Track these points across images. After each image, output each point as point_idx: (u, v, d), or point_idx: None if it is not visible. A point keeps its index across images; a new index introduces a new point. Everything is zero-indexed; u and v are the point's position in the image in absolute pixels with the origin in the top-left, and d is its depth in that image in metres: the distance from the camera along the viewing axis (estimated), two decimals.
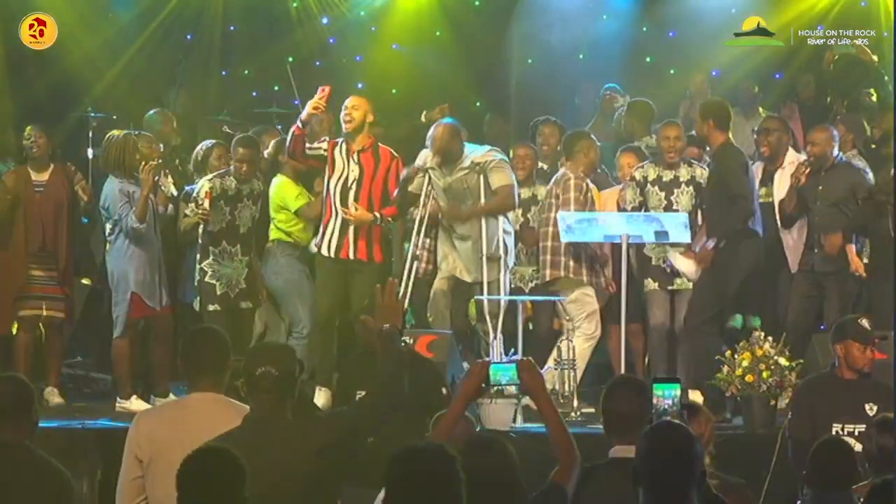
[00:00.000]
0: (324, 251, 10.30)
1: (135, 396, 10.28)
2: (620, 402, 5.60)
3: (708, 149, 10.70)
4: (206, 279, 10.42)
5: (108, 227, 10.28)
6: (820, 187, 10.53)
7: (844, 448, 6.76)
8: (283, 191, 10.84)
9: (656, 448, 4.61)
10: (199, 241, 10.50)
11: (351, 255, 10.25)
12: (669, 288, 10.54)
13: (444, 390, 8.14)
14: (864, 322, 8.49)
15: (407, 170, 10.40)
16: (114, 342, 10.32)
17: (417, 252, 10.51)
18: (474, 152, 10.44)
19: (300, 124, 10.20)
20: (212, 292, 10.41)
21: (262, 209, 10.76)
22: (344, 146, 10.29)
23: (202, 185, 10.46)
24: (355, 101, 10.40)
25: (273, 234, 10.95)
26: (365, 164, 10.27)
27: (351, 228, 10.24)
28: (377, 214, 10.25)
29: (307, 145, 10.27)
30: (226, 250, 10.44)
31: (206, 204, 10.31)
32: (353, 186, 10.26)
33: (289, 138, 10.28)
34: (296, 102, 12.74)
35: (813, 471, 6.56)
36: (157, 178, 10.23)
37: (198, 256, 10.49)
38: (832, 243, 10.39)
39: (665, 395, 5.08)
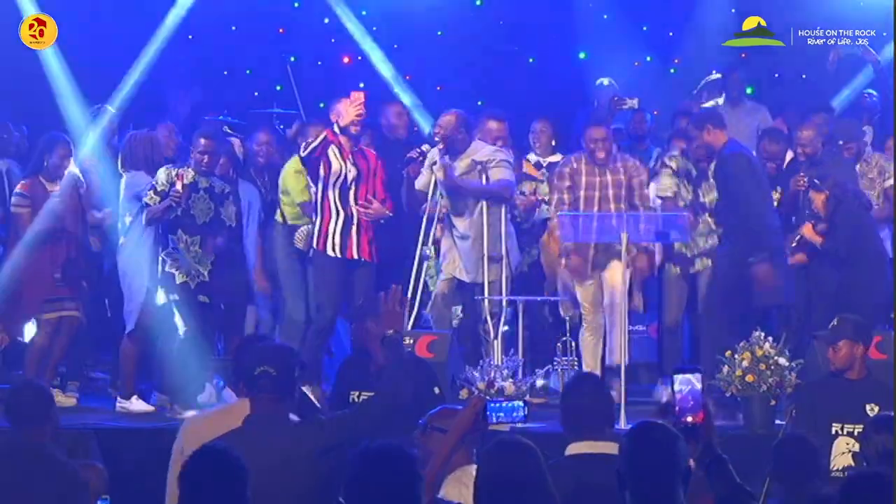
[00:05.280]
0: (329, 251, 10.26)
1: (135, 396, 10.26)
2: (576, 399, 5.61)
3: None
4: (167, 269, 10.12)
5: (127, 221, 10.22)
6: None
7: (806, 446, 6.78)
8: (290, 178, 10.85)
9: (638, 449, 4.59)
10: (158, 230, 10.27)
11: (356, 255, 10.25)
12: None
13: (436, 390, 8.14)
14: (834, 322, 8.61)
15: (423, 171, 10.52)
16: (125, 338, 10.30)
17: (426, 252, 10.50)
18: (480, 150, 10.45)
19: (338, 130, 10.15)
20: (171, 282, 10.12)
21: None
22: (337, 147, 10.27)
23: (160, 174, 10.12)
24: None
25: (277, 214, 11.06)
26: (361, 165, 10.28)
27: (354, 228, 10.25)
28: (387, 212, 10.32)
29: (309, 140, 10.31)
30: (181, 239, 10.13)
31: (179, 187, 10.01)
32: (353, 186, 10.26)
33: (318, 142, 10.13)
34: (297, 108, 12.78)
35: (776, 468, 6.60)
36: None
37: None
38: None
39: (685, 387, 4.84)
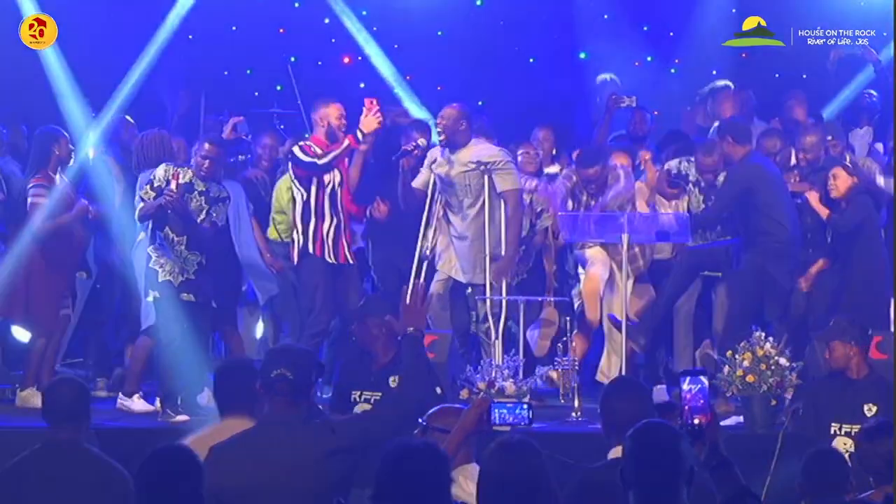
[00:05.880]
0: (326, 256, 10.30)
1: (137, 395, 10.24)
2: (618, 403, 5.60)
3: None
4: (150, 265, 10.01)
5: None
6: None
7: (836, 457, 6.76)
8: (286, 194, 10.79)
9: (641, 448, 4.59)
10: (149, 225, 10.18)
11: (349, 259, 10.35)
12: None
13: (438, 390, 8.14)
14: (830, 324, 8.73)
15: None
16: (142, 334, 10.25)
17: (427, 252, 10.49)
18: (482, 150, 10.41)
19: (361, 138, 10.23)
20: (154, 279, 10.00)
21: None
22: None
23: (159, 170, 10.06)
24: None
25: (270, 233, 11.01)
26: (342, 169, 10.35)
27: (343, 232, 10.28)
28: None
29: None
30: (168, 236, 10.00)
31: (174, 186, 9.90)
32: (339, 190, 10.31)
33: (342, 150, 10.20)
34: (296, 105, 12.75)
35: (806, 480, 6.58)
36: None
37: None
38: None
39: (694, 386, 4.86)
